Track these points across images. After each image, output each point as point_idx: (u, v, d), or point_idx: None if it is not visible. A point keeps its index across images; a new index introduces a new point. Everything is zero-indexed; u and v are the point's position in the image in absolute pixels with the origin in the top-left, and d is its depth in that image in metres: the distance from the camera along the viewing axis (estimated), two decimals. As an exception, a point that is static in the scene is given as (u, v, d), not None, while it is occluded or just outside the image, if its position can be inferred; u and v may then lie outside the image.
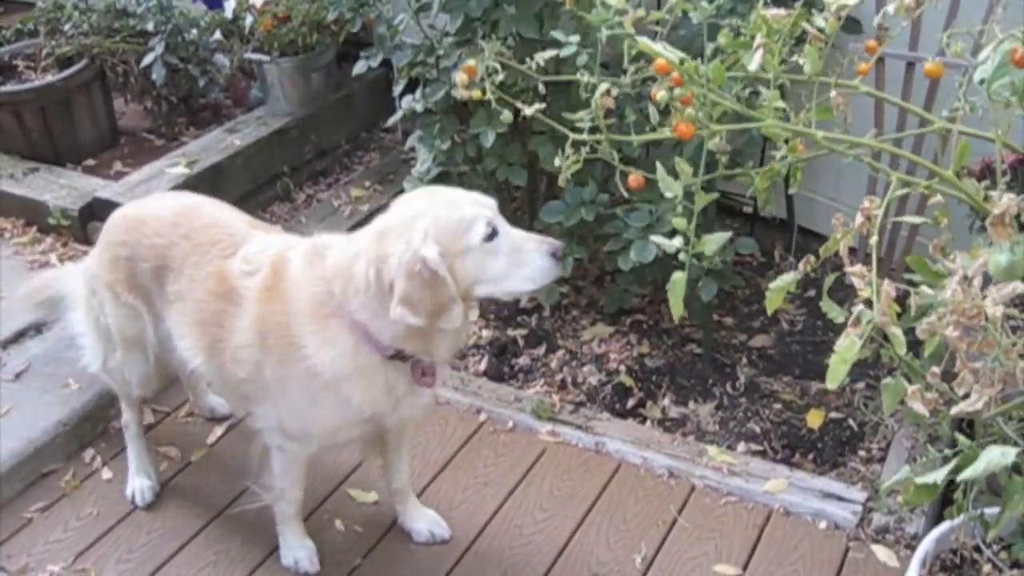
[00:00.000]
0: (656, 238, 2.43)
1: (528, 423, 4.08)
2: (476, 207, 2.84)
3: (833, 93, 2.17)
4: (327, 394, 3.00)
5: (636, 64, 2.39)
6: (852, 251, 2.11)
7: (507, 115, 2.64)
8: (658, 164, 2.30)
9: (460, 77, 2.63)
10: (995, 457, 1.87)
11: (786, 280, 2.13)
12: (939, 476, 2.07)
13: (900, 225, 4.23)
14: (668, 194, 2.27)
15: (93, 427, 4.08)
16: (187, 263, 3.27)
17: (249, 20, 5.68)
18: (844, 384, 4.15)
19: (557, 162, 2.47)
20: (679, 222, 2.28)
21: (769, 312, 2.23)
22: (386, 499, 3.64)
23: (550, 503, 3.72)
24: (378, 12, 4.94)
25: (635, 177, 2.49)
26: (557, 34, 3.84)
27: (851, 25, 3.97)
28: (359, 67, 4.85)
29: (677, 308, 2.28)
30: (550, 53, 2.74)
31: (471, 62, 2.59)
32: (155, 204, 3.60)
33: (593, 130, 2.43)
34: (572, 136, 2.45)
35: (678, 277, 2.26)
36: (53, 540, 3.62)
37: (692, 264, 3.93)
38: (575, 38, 3.79)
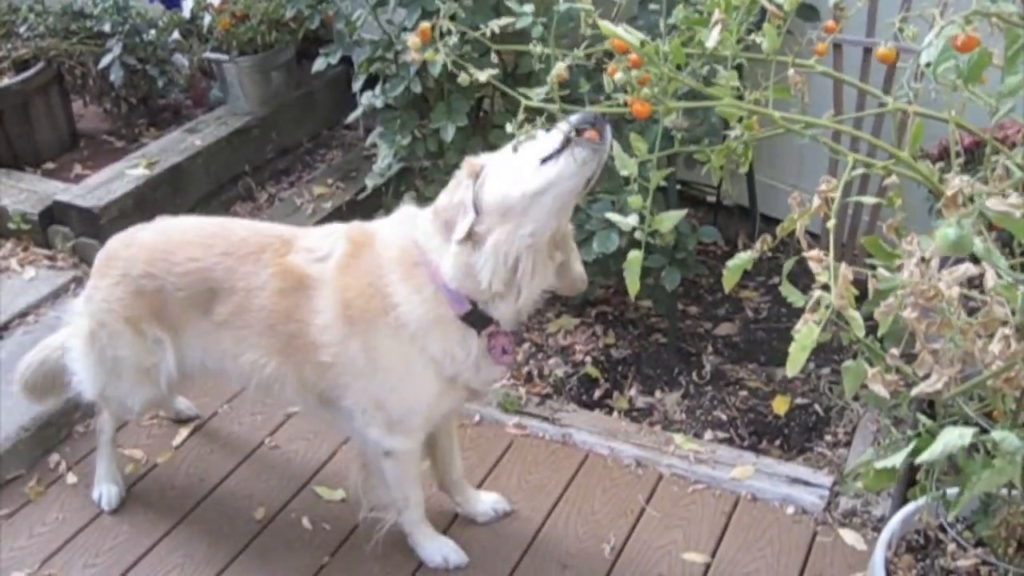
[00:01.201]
0: (613, 216, 2.42)
1: (495, 416, 4.08)
2: None
3: (791, 72, 2.17)
4: (413, 349, 2.99)
5: (592, 35, 2.36)
6: (814, 237, 2.12)
7: (464, 77, 2.60)
8: (614, 143, 2.30)
9: (413, 41, 2.59)
10: (952, 439, 1.88)
11: (743, 258, 2.13)
12: (897, 460, 2.08)
13: (861, 210, 4.25)
14: (624, 172, 2.26)
15: (57, 432, 4.04)
16: (238, 276, 3.17)
17: (207, 19, 5.64)
18: (809, 370, 4.20)
19: (509, 128, 2.43)
20: (635, 200, 2.27)
21: (727, 290, 2.24)
22: (354, 496, 3.60)
23: (518, 496, 3.72)
24: (336, 8, 4.93)
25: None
26: (511, 3, 3.83)
27: (807, 12, 3.98)
28: (318, 64, 4.84)
29: (634, 286, 2.28)
30: (504, 20, 2.71)
31: (425, 25, 2.55)
32: (172, 230, 3.40)
33: (547, 100, 2.41)
34: (524, 102, 2.42)
35: (634, 255, 2.25)
36: (18, 547, 3.58)
37: (656, 254, 4.00)
38: (529, 7, 3.78)
